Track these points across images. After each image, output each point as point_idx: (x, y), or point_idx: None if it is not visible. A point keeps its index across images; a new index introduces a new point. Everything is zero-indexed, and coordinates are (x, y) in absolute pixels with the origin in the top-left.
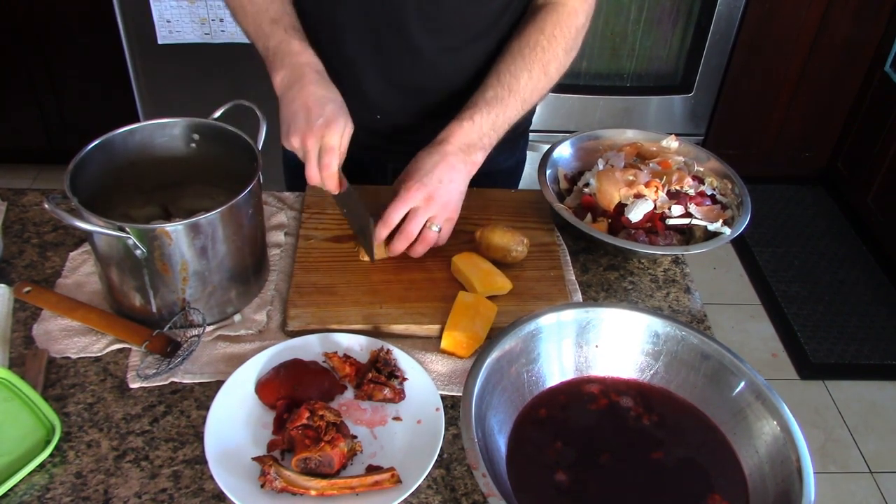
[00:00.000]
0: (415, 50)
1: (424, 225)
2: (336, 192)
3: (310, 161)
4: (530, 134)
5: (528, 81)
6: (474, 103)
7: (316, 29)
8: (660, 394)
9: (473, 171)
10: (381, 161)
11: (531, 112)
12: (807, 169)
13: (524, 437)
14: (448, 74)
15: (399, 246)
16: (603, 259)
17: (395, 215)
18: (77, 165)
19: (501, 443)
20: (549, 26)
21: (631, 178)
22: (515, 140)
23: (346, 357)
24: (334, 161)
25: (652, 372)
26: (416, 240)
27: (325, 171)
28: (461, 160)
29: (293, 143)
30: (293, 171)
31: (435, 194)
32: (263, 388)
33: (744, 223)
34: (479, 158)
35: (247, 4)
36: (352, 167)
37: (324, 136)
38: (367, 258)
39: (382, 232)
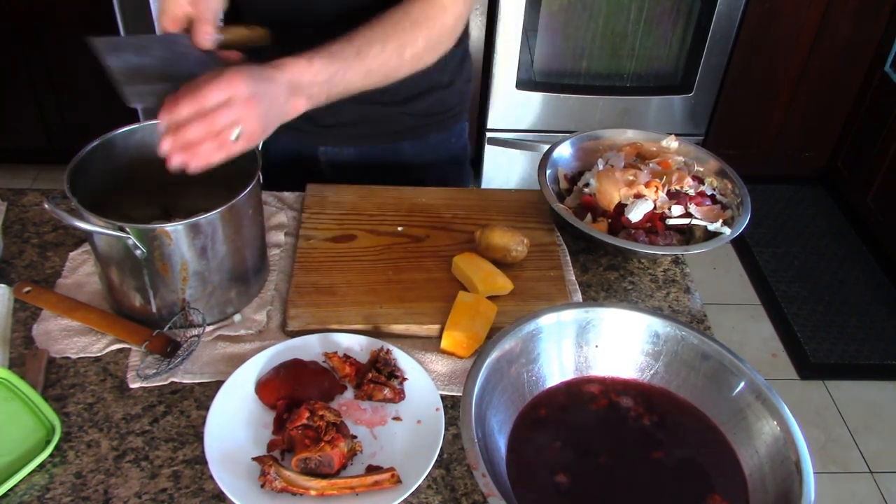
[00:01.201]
0: (316, 16)
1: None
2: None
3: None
4: (529, 134)
5: (380, 53)
6: (319, 48)
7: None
8: (660, 394)
9: (288, 116)
10: (312, 145)
11: (458, 96)
12: (807, 169)
13: (524, 437)
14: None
15: (191, 131)
16: (603, 259)
17: (210, 97)
18: (77, 165)
19: (501, 443)
20: (416, 11)
21: (631, 178)
22: (444, 122)
23: (346, 357)
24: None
25: (652, 372)
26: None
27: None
28: (282, 94)
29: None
30: (273, 172)
31: (257, 98)
32: (263, 388)
33: (744, 223)
34: (299, 105)
35: None
36: (285, 158)
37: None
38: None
39: (186, 109)
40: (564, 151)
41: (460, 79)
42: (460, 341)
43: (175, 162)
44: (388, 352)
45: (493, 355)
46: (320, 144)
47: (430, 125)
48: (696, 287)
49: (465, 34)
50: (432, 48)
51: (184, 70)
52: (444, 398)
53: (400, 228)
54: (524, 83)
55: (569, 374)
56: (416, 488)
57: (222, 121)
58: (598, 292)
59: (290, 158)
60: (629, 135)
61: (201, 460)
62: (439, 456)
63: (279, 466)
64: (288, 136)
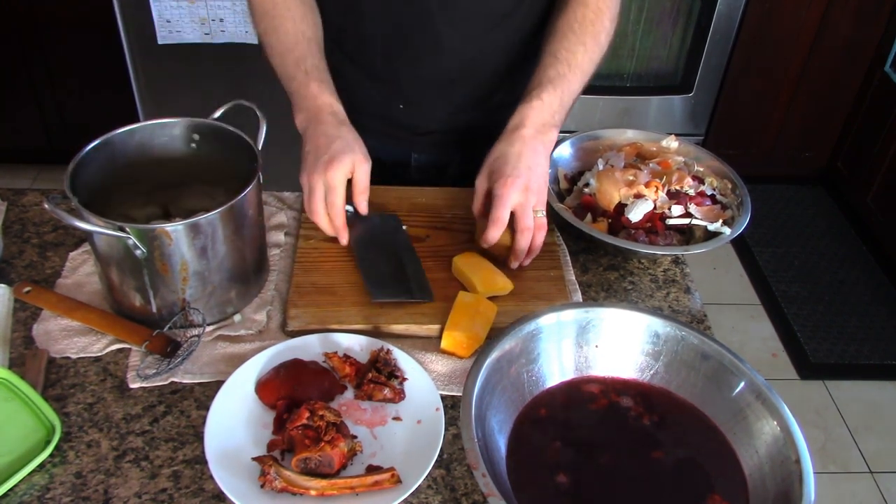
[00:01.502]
0: (437, 39)
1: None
2: (343, 242)
3: (312, 198)
4: None
5: (585, 55)
6: (538, 83)
7: (340, 20)
8: (660, 394)
9: (551, 149)
10: (404, 151)
11: None
12: (807, 169)
13: (524, 437)
14: (470, 63)
15: (524, 243)
16: (603, 259)
17: (503, 213)
18: (77, 165)
19: (501, 443)
20: (592, 0)
21: (631, 178)
22: None
23: (346, 357)
24: (338, 199)
25: (652, 372)
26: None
27: (331, 210)
28: (539, 142)
29: (301, 182)
30: None
31: (530, 183)
32: (263, 388)
33: (744, 223)
34: (553, 136)
35: (274, 44)
36: (375, 163)
37: (327, 174)
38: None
39: (494, 233)
40: (564, 151)
41: None
42: (460, 341)
43: (519, 265)
44: (388, 352)
45: (493, 355)
46: (414, 151)
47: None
48: (696, 287)
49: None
50: (614, 20)
51: (389, 240)
52: (444, 398)
53: (404, 228)
54: None
55: (569, 374)
56: (416, 488)
57: (529, 223)
58: (598, 292)
59: (380, 163)
60: (629, 135)
61: (201, 460)
62: (439, 456)
63: (279, 466)
64: (383, 142)
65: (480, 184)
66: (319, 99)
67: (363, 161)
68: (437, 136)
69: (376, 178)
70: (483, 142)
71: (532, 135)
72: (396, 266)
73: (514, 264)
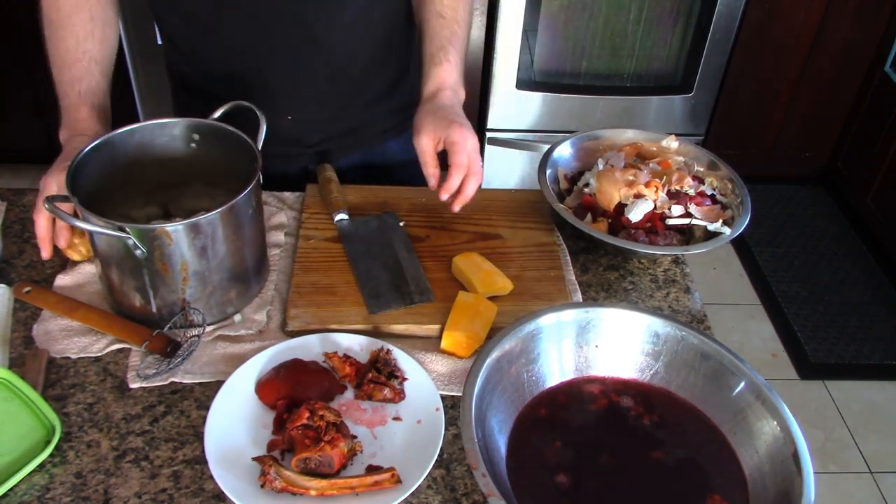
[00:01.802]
0: (310, 33)
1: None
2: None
3: (39, 195)
4: (529, 134)
5: (465, 9)
6: (440, 46)
7: (209, 36)
8: (660, 394)
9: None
10: (303, 166)
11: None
12: (807, 169)
13: (524, 437)
14: (345, 56)
15: (473, 186)
16: (603, 259)
17: (463, 158)
18: (77, 165)
19: (501, 443)
20: None
21: (631, 178)
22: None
23: (346, 357)
24: (39, 201)
25: (652, 372)
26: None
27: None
28: (457, 100)
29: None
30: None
31: (468, 130)
32: (263, 388)
33: (744, 223)
34: (462, 94)
35: (55, 57)
36: (277, 177)
37: (43, 190)
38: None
39: (457, 180)
40: (564, 151)
41: (413, 62)
42: (460, 341)
43: (456, 209)
44: (388, 352)
45: (493, 355)
46: (310, 164)
47: (408, 119)
48: (696, 287)
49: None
50: None
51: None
52: (444, 398)
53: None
54: (524, 83)
55: (569, 374)
56: (416, 488)
57: (480, 167)
58: (598, 292)
59: (283, 179)
60: (629, 135)
61: (201, 460)
62: (439, 456)
63: (279, 466)
64: (276, 161)
65: (424, 143)
66: (85, 123)
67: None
68: (330, 143)
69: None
70: (372, 137)
71: (450, 95)
72: (395, 271)
73: (456, 208)
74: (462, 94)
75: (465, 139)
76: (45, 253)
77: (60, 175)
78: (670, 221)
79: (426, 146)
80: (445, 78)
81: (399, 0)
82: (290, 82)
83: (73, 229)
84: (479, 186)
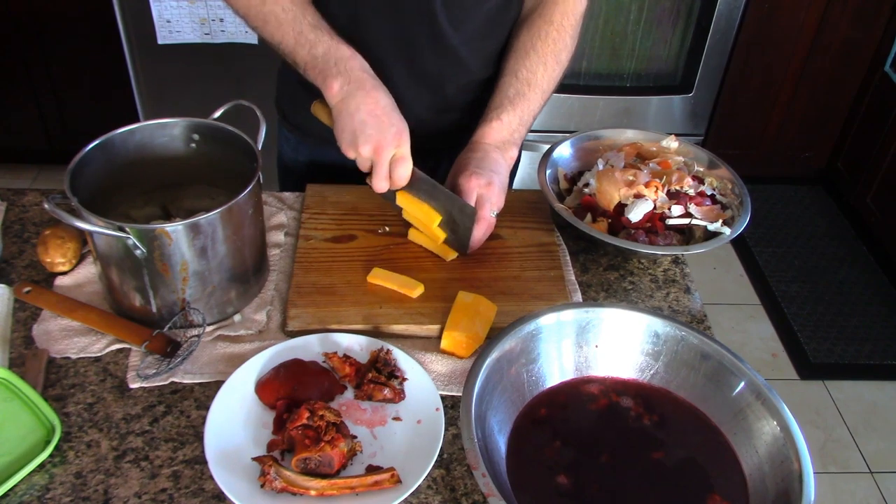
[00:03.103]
0: (440, 40)
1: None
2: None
3: (381, 172)
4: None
5: (545, 74)
6: (499, 103)
7: (337, 20)
8: (660, 394)
9: (511, 165)
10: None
11: None
12: (806, 169)
13: (524, 437)
14: (470, 65)
15: (482, 233)
16: (603, 259)
17: (484, 213)
18: (77, 165)
19: (501, 443)
20: (557, 16)
21: (631, 178)
22: None
23: (346, 357)
24: (409, 170)
25: (652, 372)
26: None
27: (401, 182)
28: (500, 155)
29: (363, 153)
30: (289, 171)
31: (492, 180)
32: (263, 388)
33: (744, 223)
34: (513, 153)
35: (279, 12)
36: (324, 169)
37: (399, 145)
38: (451, 256)
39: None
40: (564, 151)
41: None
42: (460, 341)
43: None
44: (388, 352)
45: (493, 355)
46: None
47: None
48: (696, 287)
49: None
50: (576, 38)
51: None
52: (444, 398)
53: (387, 228)
54: None
55: (569, 374)
56: (416, 488)
57: (488, 215)
58: (598, 292)
59: (330, 170)
60: (629, 135)
61: (201, 460)
62: (439, 456)
63: (279, 466)
64: (325, 148)
65: (462, 182)
66: (356, 61)
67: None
68: (432, 141)
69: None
70: (444, 147)
71: (492, 148)
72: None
73: (465, 250)
74: (510, 154)
75: (473, 186)
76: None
77: (405, 144)
78: (670, 221)
79: (469, 186)
80: (492, 135)
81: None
82: (406, 78)
83: None
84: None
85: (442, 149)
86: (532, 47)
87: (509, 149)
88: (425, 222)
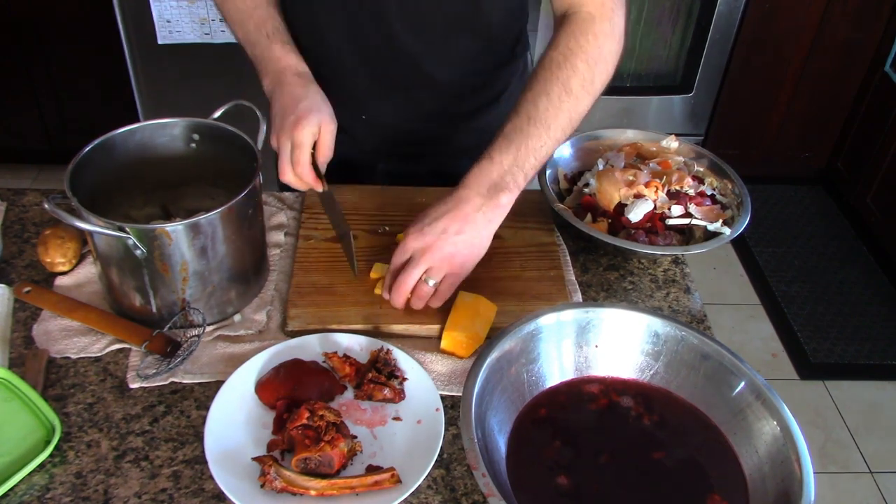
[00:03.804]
0: (397, 46)
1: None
2: (318, 190)
3: (280, 158)
4: None
5: (549, 105)
6: (495, 139)
7: (298, 29)
8: (660, 394)
9: (498, 218)
10: (370, 161)
11: None
12: (806, 169)
13: (524, 437)
14: (432, 71)
15: (395, 298)
16: (603, 259)
17: (395, 262)
18: (77, 165)
19: (501, 443)
20: (563, 39)
21: (631, 178)
22: None
23: (346, 357)
24: (304, 156)
25: (652, 372)
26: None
27: (297, 167)
28: (477, 208)
29: (271, 143)
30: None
31: (434, 245)
32: (263, 388)
33: (744, 223)
34: (504, 201)
35: (233, 11)
36: (340, 168)
37: (294, 132)
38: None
39: (388, 279)
40: (564, 151)
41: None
42: (460, 341)
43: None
44: (388, 352)
45: (493, 355)
46: (381, 162)
47: (484, 144)
48: (696, 287)
49: (527, 43)
50: (594, 63)
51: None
52: (444, 398)
53: (387, 228)
54: None
55: (569, 374)
56: (416, 488)
57: (407, 281)
58: (598, 292)
59: (346, 167)
60: (629, 135)
61: (201, 460)
62: (439, 456)
63: (279, 466)
64: (348, 146)
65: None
66: (283, 61)
67: (329, 122)
68: (401, 147)
69: (345, 180)
70: (447, 153)
71: (470, 199)
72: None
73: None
74: (499, 201)
75: (403, 246)
76: (320, 187)
77: (299, 130)
78: (670, 221)
79: (405, 244)
80: (479, 178)
81: (495, 32)
82: (372, 83)
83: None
84: (413, 302)
85: (418, 154)
86: (535, 77)
87: (498, 195)
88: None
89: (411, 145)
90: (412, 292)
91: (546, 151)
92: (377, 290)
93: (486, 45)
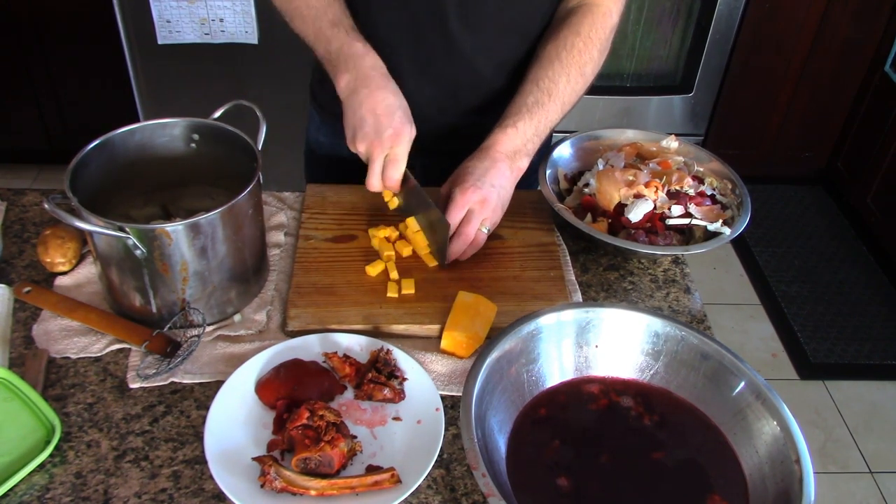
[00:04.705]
0: (453, 45)
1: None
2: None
3: (374, 170)
4: None
5: (567, 85)
6: (517, 110)
7: (358, 18)
8: (660, 394)
9: (518, 177)
10: (409, 158)
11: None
12: (806, 169)
13: (524, 437)
14: (484, 71)
15: (458, 247)
16: (603, 259)
17: (456, 216)
18: (77, 165)
19: (501, 443)
20: (586, 28)
21: (631, 178)
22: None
23: (346, 357)
24: (399, 172)
25: (652, 372)
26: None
27: (390, 182)
28: (508, 166)
29: (359, 149)
30: (317, 161)
31: (488, 197)
32: (263, 388)
33: (744, 223)
34: (524, 164)
35: (304, 9)
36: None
37: (392, 146)
38: (433, 264)
39: (446, 234)
40: (564, 151)
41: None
42: (460, 341)
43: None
44: (388, 352)
45: (493, 355)
46: (419, 157)
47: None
48: (696, 287)
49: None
50: (603, 52)
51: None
52: (444, 398)
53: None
54: None
55: (569, 374)
56: (416, 488)
57: (471, 232)
58: (598, 292)
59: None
60: (629, 135)
61: (201, 460)
62: (439, 456)
63: (279, 466)
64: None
65: (444, 190)
66: (367, 59)
67: (414, 131)
68: (442, 143)
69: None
70: (459, 149)
71: (501, 157)
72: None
73: (443, 261)
74: (520, 164)
75: (465, 200)
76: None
77: (399, 146)
78: (670, 221)
79: (442, 193)
80: (505, 143)
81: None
82: (419, 80)
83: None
84: (466, 252)
85: (456, 150)
86: (556, 57)
87: (520, 159)
88: (408, 229)
89: (452, 140)
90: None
91: (556, 123)
92: (368, 271)
93: (531, 46)
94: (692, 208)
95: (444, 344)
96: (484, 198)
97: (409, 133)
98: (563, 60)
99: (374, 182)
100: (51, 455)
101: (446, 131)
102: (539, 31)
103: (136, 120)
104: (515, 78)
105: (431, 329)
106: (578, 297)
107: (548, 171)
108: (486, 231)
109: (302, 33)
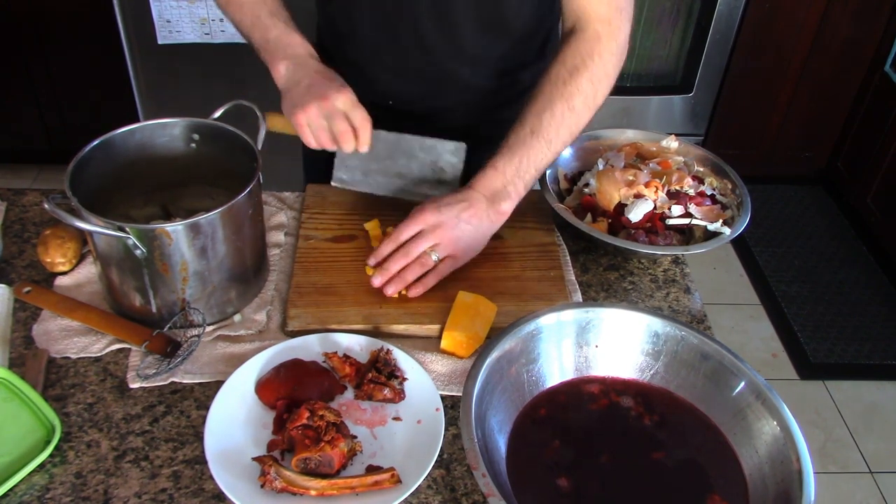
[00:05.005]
0: (426, 44)
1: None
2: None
3: (338, 123)
4: None
5: (552, 120)
6: (499, 149)
7: (335, 16)
8: (660, 394)
9: (499, 222)
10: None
11: None
12: (806, 169)
13: (524, 437)
14: (458, 69)
15: (392, 264)
16: (603, 259)
17: (404, 233)
18: (77, 165)
19: (501, 443)
20: (570, 57)
21: (631, 178)
22: None
23: (346, 357)
24: (365, 117)
25: (652, 372)
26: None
27: (363, 130)
28: (484, 209)
29: (310, 113)
30: (316, 161)
31: (448, 224)
32: (263, 388)
33: (744, 223)
34: (505, 208)
35: (240, 13)
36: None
37: (345, 94)
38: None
39: (386, 248)
40: (564, 151)
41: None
42: (460, 341)
43: (389, 291)
44: (388, 352)
45: (493, 355)
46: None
47: (500, 138)
48: (696, 287)
49: (553, 46)
50: (598, 81)
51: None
52: (444, 398)
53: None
54: None
55: (569, 374)
56: (416, 488)
57: (413, 250)
58: (598, 292)
59: None
60: (629, 135)
61: (201, 460)
62: (439, 456)
63: (279, 466)
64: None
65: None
66: (303, 48)
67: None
68: (425, 134)
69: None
70: (468, 141)
71: (479, 199)
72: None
73: (389, 290)
74: (501, 208)
75: (416, 217)
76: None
77: (347, 93)
78: (670, 221)
79: (418, 215)
80: (484, 184)
81: (522, 36)
82: (399, 73)
83: None
84: (407, 275)
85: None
86: (540, 91)
87: (501, 202)
88: None
89: (436, 132)
90: (411, 262)
91: (546, 162)
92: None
93: (512, 45)
94: (692, 208)
95: (444, 344)
96: (440, 223)
97: (352, 92)
98: (546, 94)
99: (345, 138)
100: (51, 455)
101: (430, 121)
102: (521, 30)
103: (136, 120)
104: (501, 78)
105: (431, 329)
106: (578, 297)
107: (548, 171)
108: (434, 258)
109: (236, 20)
